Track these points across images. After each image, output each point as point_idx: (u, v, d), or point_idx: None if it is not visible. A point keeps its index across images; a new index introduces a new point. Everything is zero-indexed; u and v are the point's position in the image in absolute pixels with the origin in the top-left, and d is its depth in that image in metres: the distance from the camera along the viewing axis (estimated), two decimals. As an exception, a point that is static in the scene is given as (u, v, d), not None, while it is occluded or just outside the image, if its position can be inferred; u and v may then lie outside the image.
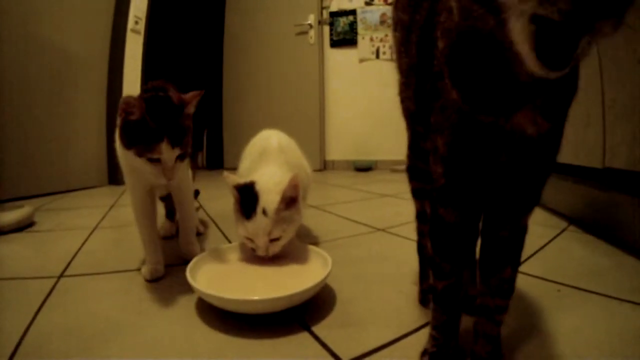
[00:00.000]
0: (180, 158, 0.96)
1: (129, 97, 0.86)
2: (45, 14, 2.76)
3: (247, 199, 0.99)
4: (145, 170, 0.94)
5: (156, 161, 0.92)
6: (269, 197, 0.98)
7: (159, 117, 0.89)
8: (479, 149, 0.53)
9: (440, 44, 0.53)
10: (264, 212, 0.96)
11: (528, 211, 0.57)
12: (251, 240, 0.99)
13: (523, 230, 0.59)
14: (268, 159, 1.13)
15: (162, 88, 0.99)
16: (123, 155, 0.98)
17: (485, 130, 0.51)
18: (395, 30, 0.80)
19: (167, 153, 0.91)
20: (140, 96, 0.92)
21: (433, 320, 0.65)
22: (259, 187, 1.00)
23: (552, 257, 1.16)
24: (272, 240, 0.99)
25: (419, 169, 0.82)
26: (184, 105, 0.96)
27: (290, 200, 0.99)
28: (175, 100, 0.95)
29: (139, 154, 0.91)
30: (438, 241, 0.62)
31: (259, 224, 0.96)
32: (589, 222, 1.44)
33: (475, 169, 0.54)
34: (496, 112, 0.49)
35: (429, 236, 0.64)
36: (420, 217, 0.88)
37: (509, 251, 0.59)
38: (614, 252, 1.20)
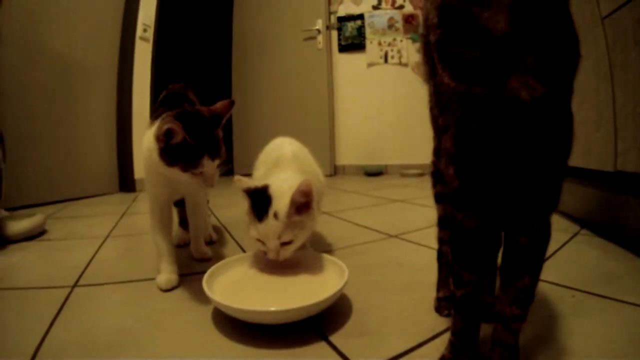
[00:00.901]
0: (220, 165, 1.01)
1: (170, 121, 0.88)
2: (56, 23, 2.80)
3: (260, 202, 0.99)
4: (187, 181, 0.99)
5: (198, 173, 0.96)
6: (282, 200, 0.97)
7: (197, 134, 0.93)
8: (485, 134, 0.52)
9: (432, 38, 0.54)
10: (276, 215, 0.96)
11: (544, 212, 0.56)
12: (262, 242, 0.99)
13: (543, 237, 0.57)
14: (282, 166, 1.13)
15: (183, 95, 1.02)
16: (151, 167, 1.01)
17: (487, 112, 0.51)
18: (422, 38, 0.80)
19: (209, 166, 0.95)
20: (175, 115, 0.94)
21: (452, 327, 0.65)
22: (272, 190, 1.00)
23: (566, 262, 1.16)
24: (284, 244, 0.98)
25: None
26: (217, 117, 1.01)
27: (303, 206, 0.98)
28: (206, 114, 1.00)
29: (184, 170, 0.94)
30: (457, 248, 0.62)
31: (270, 226, 0.96)
32: (601, 226, 1.44)
33: (485, 159, 0.53)
34: (487, 78, 0.49)
35: (449, 243, 0.64)
36: (442, 222, 0.87)
37: (527, 259, 0.58)
38: (626, 256, 1.19)
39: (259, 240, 1.00)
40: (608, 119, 1.33)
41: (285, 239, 0.97)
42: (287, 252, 1.00)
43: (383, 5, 3.95)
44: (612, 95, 1.31)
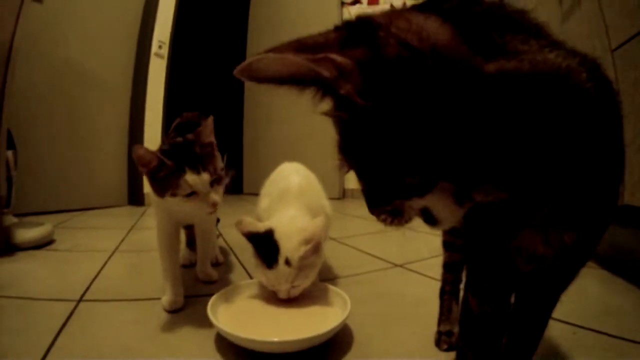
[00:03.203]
0: (216, 182, 0.99)
1: (140, 150, 0.89)
2: (72, 38, 2.86)
3: (265, 247, 0.97)
4: (188, 209, 0.98)
5: (193, 194, 0.94)
6: (291, 245, 0.95)
7: (174, 154, 0.93)
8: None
9: None
10: (287, 262, 0.94)
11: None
12: (272, 285, 0.98)
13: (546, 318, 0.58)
14: (288, 201, 1.10)
15: (197, 124, 1.02)
16: (160, 201, 1.00)
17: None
18: None
19: (196, 181, 0.93)
20: (160, 147, 0.97)
21: None
22: (278, 234, 0.97)
23: (569, 295, 1.14)
24: (294, 286, 0.98)
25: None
26: (196, 135, 0.98)
27: (315, 246, 0.97)
28: (189, 137, 0.98)
29: (174, 195, 0.93)
30: (464, 329, 0.63)
31: (282, 273, 0.94)
32: (607, 259, 1.43)
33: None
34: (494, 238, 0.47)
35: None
36: (447, 267, 0.90)
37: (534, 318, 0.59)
38: (632, 291, 1.18)
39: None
40: (616, 154, 1.33)
41: (298, 283, 0.97)
42: (297, 291, 0.99)
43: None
44: (622, 128, 1.31)
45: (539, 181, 0.38)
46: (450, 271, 0.91)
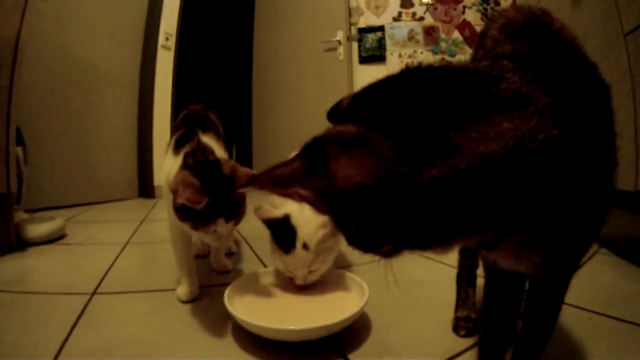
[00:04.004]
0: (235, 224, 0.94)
1: (190, 189, 0.81)
2: (79, 30, 2.86)
3: (283, 232, 0.97)
4: (199, 236, 0.96)
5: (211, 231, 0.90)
6: (309, 229, 0.96)
7: (214, 193, 0.85)
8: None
9: None
10: (305, 246, 0.95)
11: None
12: (290, 271, 0.99)
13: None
14: None
15: (204, 115, 1.01)
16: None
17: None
18: None
19: (223, 227, 0.89)
20: (192, 166, 0.89)
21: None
22: (296, 219, 0.98)
23: (584, 282, 1.13)
24: (311, 271, 0.99)
25: None
26: (236, 179, 0.90)
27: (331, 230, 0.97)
28: (226, 171, 0.90)
29: (195, 228, 0.89)
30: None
31: (299, 258, 0.95)
32: (621, 246, 1.42)
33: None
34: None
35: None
36: (464, 252, 0.91)
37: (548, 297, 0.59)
38: (646, 277, 1.17)
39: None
40: (629, 139, 1.32)
41: (315, 267, 0.97)
42: (315, 277, 1.00)
43: (403, 17, 3.94)
44: (634, 113, 1.30)
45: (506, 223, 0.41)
46: (466, 257, 0.91)
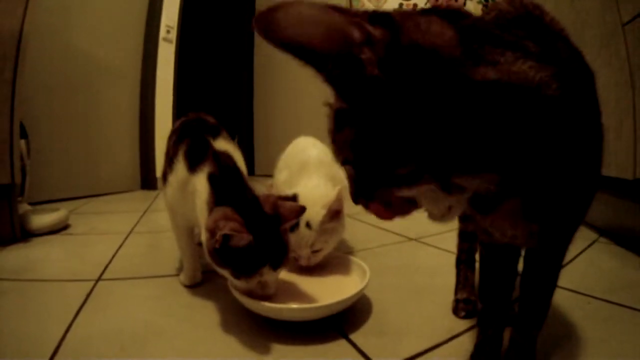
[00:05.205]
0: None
1: (230, 216, 0.76)
2: (80, 23, 2.85)
3: None
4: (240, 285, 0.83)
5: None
6: (313, 209, 0.98)
7: (259, 233, 0.75)
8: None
9: None
10: (308, 225, 0.97)
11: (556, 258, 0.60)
12: (293, 250, 1.00)
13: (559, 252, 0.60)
14: (309, 171, 1.13)
15: (203, 121, 1.00)
16: (171, 203, 1.01)
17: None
18: None
19: (269, 275, 0.81)
20: (229, 202, 0.80)
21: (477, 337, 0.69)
22: (302, 200, 1.00)
23: (583, 269, 1.16)
24: (314, 251, 1.00)
25: None
26: (281, 217, 0.82)
27: (335, 213, 1.00)
28: (267, 209, 0.82)
29: (235, 277, 0.80)
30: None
31: (303, 236, 0.97)
32: (619, 234, 1.44)
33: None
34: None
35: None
36: (463, 236, 0.93)
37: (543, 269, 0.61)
38: (645, 265, 1.18)
39: None
40: (628, 127, 1.33)
41: (318, 247, 0.99)
42: (318, 258, 1.02)
43: (404, 9, 3.92)
44: (633, 103, 1.31)
45: (509, 175, 0.42)
46: (465, 240, 0.93)
